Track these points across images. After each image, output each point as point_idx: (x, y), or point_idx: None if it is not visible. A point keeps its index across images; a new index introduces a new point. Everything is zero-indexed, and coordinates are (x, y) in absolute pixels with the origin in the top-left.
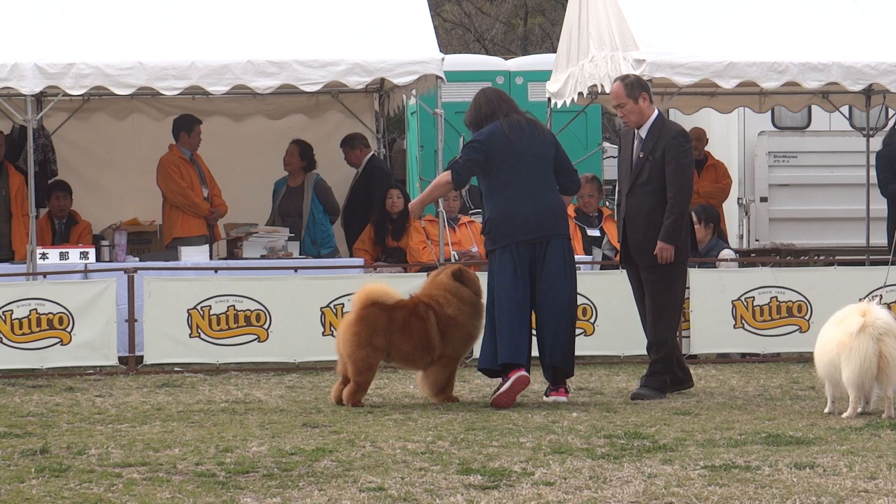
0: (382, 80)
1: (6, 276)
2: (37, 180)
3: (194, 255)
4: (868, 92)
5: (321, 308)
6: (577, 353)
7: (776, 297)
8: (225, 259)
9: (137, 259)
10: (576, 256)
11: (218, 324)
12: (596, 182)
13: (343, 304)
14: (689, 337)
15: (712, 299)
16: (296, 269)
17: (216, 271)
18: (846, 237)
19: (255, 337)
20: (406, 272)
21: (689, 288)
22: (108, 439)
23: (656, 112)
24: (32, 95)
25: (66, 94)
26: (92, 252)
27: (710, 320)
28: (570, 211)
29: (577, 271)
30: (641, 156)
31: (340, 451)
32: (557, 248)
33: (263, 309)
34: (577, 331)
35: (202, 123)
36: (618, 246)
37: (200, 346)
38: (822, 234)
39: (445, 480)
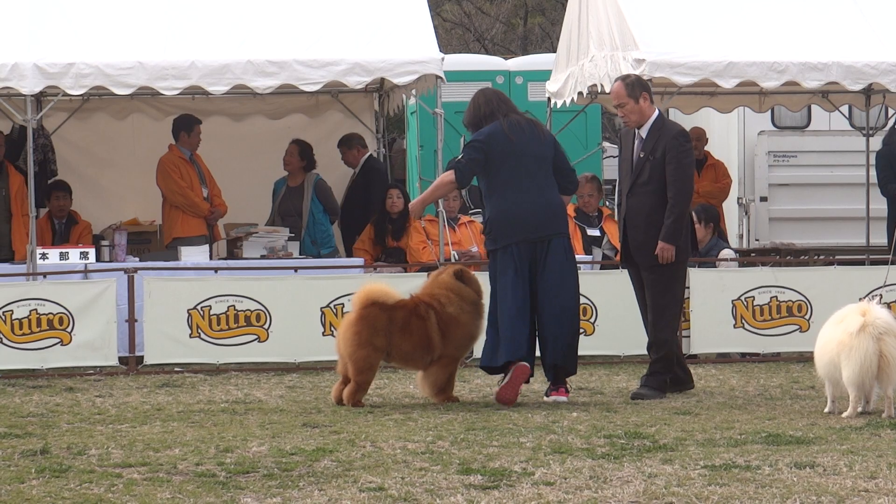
0: (382, 79)
1: (6, 276)
2: (37, 180)
3: (194, 255)
4: (868, 91)
5: (321, 308)
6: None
7: (776, 296)
8: (225, 259)
9: (137, 259)
10: (576, 256)
11: (218, 324)
12: (596, 182)
13: (343, 304)
14: (689, 337)
15: (712, 299)
16: (296, 269)
17: (216, 271)
18: (846, 237)
19: (256, 337)
20: (406, 272)
21: (688, 288)
22: (109, 439)
23: (657, 112)
24: (32, 95)
25: (65, 94)
26: (92, 252)
27: (710, 320)
28: (570, 211)
29: (578, 271)
30: (642, 156)
31: (341, 451)
32: (559, 246)
33: (263, 309)
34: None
35: (202, 123)
36: (618, 246)
37: (200, 346)
38: (822, 233)
39: (446, 480)
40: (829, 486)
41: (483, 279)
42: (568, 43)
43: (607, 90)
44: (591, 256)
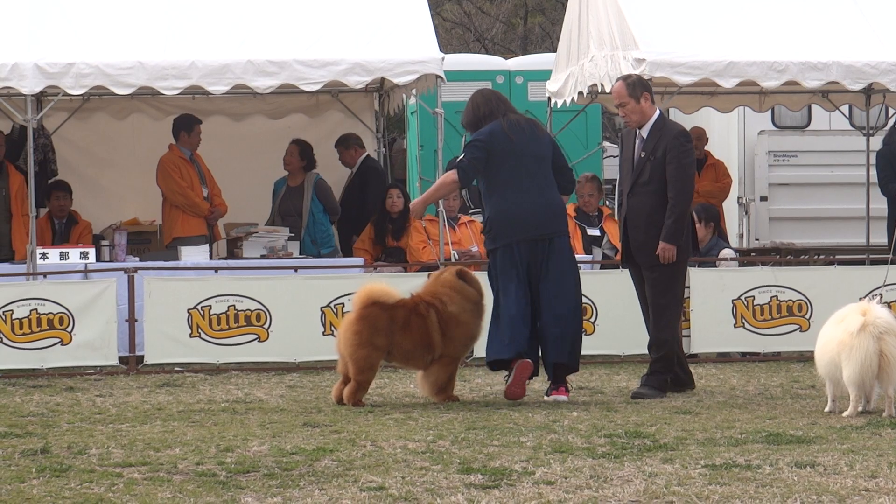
0: (382, 79)
1: (6, 276)
2: (37, 180)
3: (194, 254)
4: (868, 91)
5: (321, 308)
6: None
7: (776, 296)
8: (225, 259)
9: (137, 259)
10: (576, 256)
11: (218, 324)
12: (596, 181)
13: (343, 303)
14: (689, 336)
15: (712, 298)
16: (296, 268)
17: (216, 271)
18: (846, 236)
19: (256, 337)
20: (406, 272)
21: (688, 287)
22: (109, 439)
23: (658, 112)
24: (32, 95)
25: (66, 94)
26: (92, 252)
27: (710, 319)
28: (570, 210)
29: (579, 270)
30: (643, 156)
31: (341, 450)
32: (561, 245)
33: (263, 309)
34: None
35: (202, 123)
36: (618, 245)
37: (201, 345)
38: (822, 233)
39: (446, 480)
40: (829, 486)
41: (483, 279)
42: (568, 43)
43: (607, 90)
44: (591, 256)
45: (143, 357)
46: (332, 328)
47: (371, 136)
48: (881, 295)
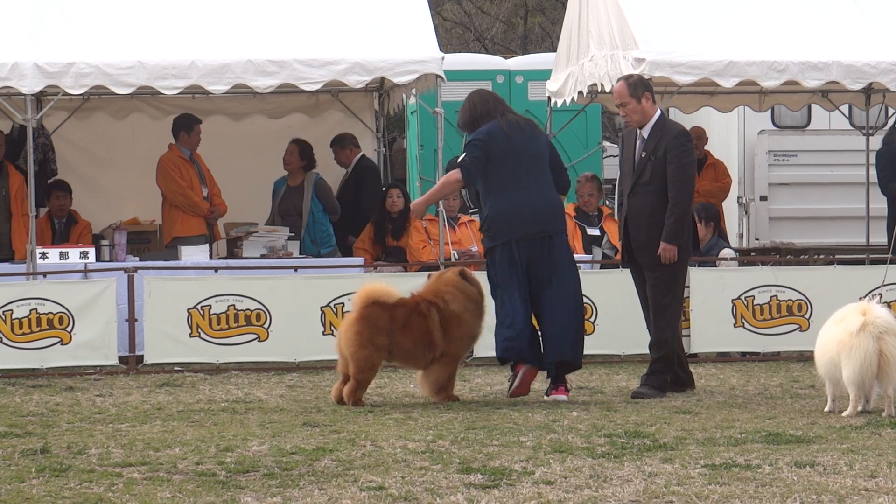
0: (382, 79)
1: (6, 275)
2: (37, 180)
3: (194, 254)
4: (868, 91)
5: (321, 307)
6: None
7: (776, 295)
8: (225, 259)
9: (137, 259)
10: (576, 256)
11: (218, 323)
12: (596, 181)
13: (343, 303)
14: (689, 336)
15: (712, 298)
16: (296, 268)
17: (216, 271)
18: (846, 236)
19: (256, 336)
20: (406, 271)
21: (689, 287)
22: (109, 439)
23: (658, 112)
24: (32, 95)
25: (65, 94)
26: (92, 252)
27: (710, 319)
28: (570, 210)
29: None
30: (643, 155)
31: (341, 450)
32: (560, 243)
33: (263, 308)
34: None
35: (202, 123)
36: (618, 245)
37: (200, 345)
38: (822, 232)
39: (446, 479)
40: (829, 485)
41: (483, 279)
42: (568, 42)
43: (607, 89)
44: (591, 256)
45: (142, 357)
46: (332, 328)
47: (371, 135)
48: (881, 295)
